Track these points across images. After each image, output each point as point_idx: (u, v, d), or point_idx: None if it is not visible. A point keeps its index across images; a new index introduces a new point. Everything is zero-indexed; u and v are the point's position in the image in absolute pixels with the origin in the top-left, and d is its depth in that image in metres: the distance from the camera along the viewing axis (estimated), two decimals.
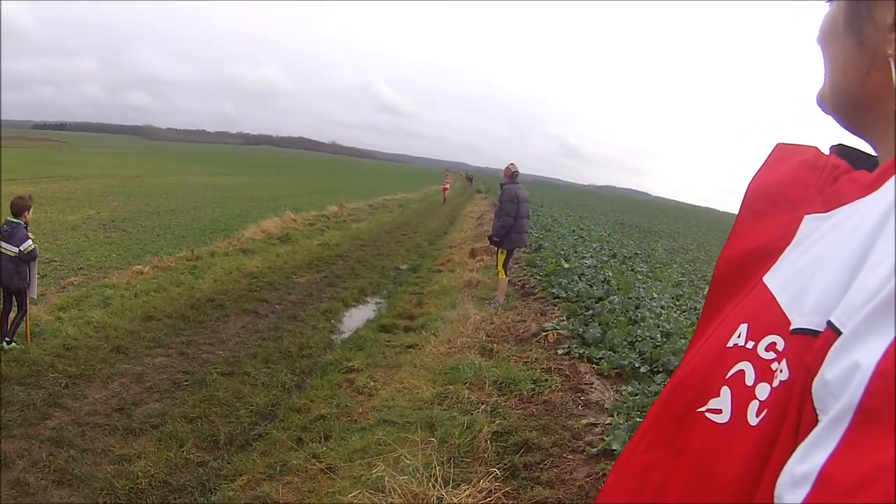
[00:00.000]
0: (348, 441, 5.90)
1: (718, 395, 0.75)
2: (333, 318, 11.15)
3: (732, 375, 0.74)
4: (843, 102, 0.82)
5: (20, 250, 7.82)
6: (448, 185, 55.58)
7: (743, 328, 0.77)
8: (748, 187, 0.93)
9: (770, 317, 0.74)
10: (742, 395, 0.72)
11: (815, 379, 0.62)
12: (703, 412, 0.76)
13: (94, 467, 5.45)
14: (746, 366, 0.74)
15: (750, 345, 0.75)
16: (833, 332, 0.62)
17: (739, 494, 0.69)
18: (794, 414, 0.65)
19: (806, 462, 0.58)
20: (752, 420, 0.70)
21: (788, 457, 0.61)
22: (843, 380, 0.58)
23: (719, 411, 0.74)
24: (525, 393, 6.86)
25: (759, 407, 0.70)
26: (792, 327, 0.71)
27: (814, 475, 0.56)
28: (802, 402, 0.64)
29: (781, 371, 0.69)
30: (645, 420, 0.87)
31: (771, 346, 0.72)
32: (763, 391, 0.70)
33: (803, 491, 0.56)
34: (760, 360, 0.72)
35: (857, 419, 0.55)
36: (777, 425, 0.67)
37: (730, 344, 0.77)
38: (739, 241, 0.90)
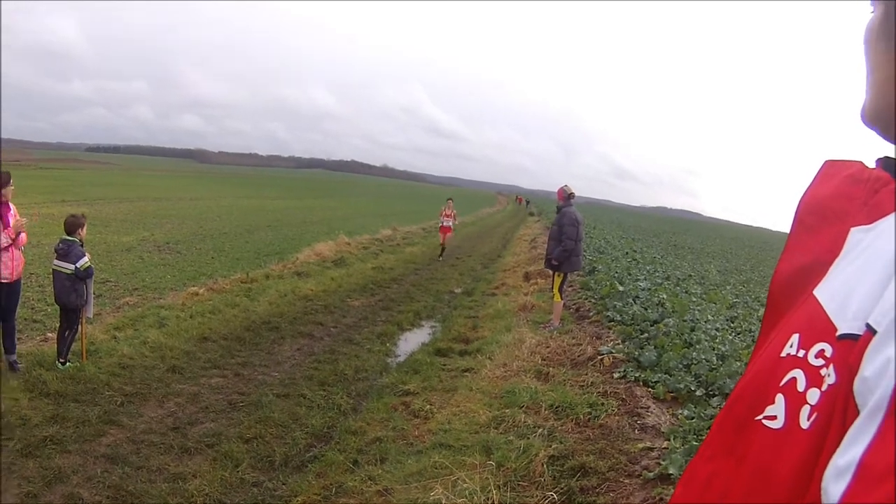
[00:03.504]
0: (404, 464, 5.97)
1: (773, 403, 0.81)
2: (389, 341, 11.28)
3: (786, 383, 0.81)
4: (885, 113, 0.86)
5: (77, 267, 8.06)
6: (450, 222, 26.17)
7: (795, 338, 0.83)
8: (799, 203, 0.98)
9: (819, 325, 0.81)
10: (795, 401, 0.79)
11: (856, 377, 0.68)
12: (759, 420, 0.82)
13: (148, 485, 5.61)
14: (798, 373, 0.80)
15: (801, 353, 0.81)
16: (872, 333, 0.69)
17: (794, 494, 0.75)
18: (840, 413, 0.71)
19: (847, 454, 0.65)
20: (804, 423, 0.76)
21: None
22: (878, 375, 0.65)
23: (774, 417, 0.80)
24: (581, 417, 6.88)
25: (810, 411, 0.76)
26: (838, 333, 0.78)
27: (854, 465, 0.63)
28: (847, 402, 0.70)
29: (829, 375, 0.76)
30: (709, 431, 0.93)
31: (820, 353, 0.79)
32: (813, 396, 0.77)
33: (845, 481, 0.63)
34: (811, 367, 0.79)
35: (891, 409, 0.61)
36: (826, 426, 0.73)
37: (783, 353, 0.84)
38: (792, 255, 0.96)
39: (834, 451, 0.67)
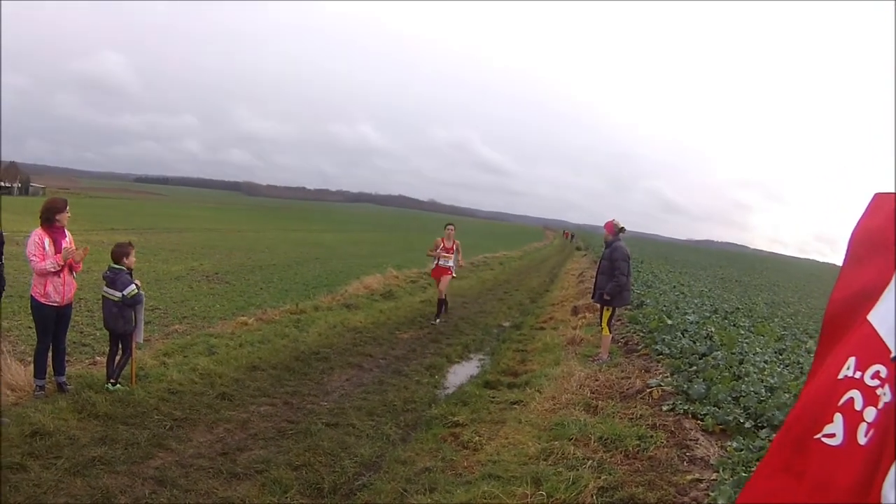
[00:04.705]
0: (453, 494, 5.94)
1: (832, 422, 0.85)
2: (437, 373, 11.28)
3: (844, 403, 0.84)
4: None
5: (123, 295, 8.33)
6: (447, 262, 17.19)
7: (851, 361, 0.87)
8: (851, 235, 1.02)
9: (873, 348, 0.84)
10: (853, 419, 0.82)
11: None
12: (818, 438, 0.85)
13: None
14: (855, 393, 0.84)
15: (858, 375, 0.85)
16: None
17: None
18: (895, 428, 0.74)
19: None
20: (862, 440, 0.80)
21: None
22: None
23: (833, 435, 0.84)
24: (630, 449, 6.86)
25: (867, 428, 0.79)
26: (892, 355, 0.81)
27: None
28: None
29: (885, 394, 0.79)
30: (768, 450, 0.96)
31: (876, 374, 0.82)
32: (870, 414, 0.80)
33: None
34: (867, 388, 0.82)
35: None
36: (882, 441, 0.76)
37: (840, 376, 0.87)
38: (846, 284, 1.00)
39: (891, 463, 0.71)
